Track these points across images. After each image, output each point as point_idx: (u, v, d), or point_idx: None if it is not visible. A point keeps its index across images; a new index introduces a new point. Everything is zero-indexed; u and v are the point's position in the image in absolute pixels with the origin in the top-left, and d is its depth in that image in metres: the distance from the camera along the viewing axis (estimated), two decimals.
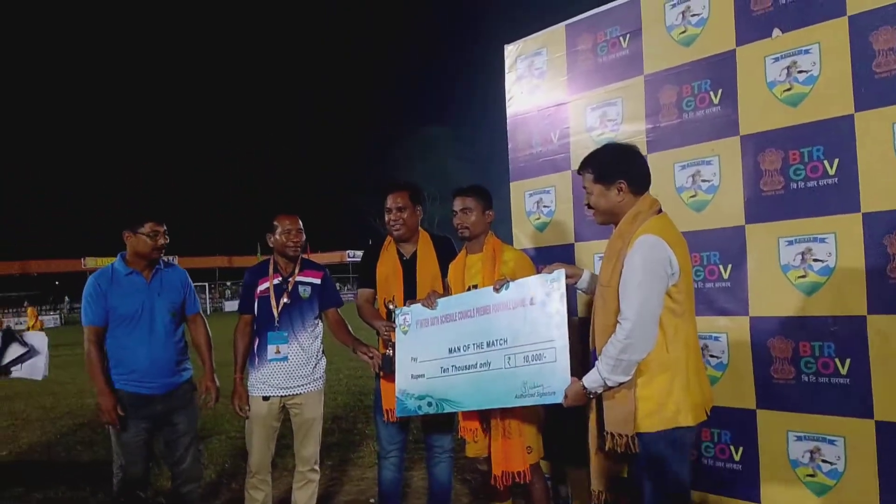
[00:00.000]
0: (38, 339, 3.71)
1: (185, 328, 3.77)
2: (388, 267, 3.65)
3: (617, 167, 2.63)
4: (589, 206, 2.75)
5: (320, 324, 3.85)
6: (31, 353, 3.58)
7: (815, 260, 2.93)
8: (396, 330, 3.38)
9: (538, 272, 3.03)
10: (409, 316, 3.36)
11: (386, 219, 3.65)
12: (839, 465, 2.85)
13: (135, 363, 3.48)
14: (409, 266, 3.63)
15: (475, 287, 3.26)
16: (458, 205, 3.40)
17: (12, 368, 3.56)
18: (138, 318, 3.51)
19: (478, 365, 3.03)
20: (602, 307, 2.60)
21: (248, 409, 3.70)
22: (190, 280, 3.88)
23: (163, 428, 3.61)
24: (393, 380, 3.36)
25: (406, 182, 3.76)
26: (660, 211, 2.62)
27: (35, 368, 3.63)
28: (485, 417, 3.26)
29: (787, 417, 3.01)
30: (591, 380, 2.56)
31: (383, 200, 3.67)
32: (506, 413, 3.12)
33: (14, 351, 3.53)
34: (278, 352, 3.67)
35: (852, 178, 2.81)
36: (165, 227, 3.60)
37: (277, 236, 3.71)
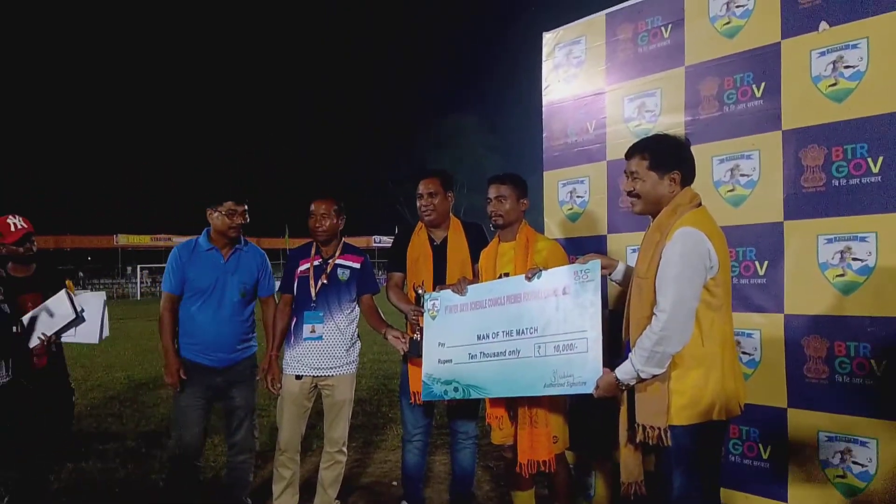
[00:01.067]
0: (94, 301, 3.70)
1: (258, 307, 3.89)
2: (418, 251, 3.67)
3: (674, 157, 2.62)
4: (630, 193, 2.70)
5: (357, 308, 3.89)
6: (78, 319, 3.59)
7: (855, 259, 2.88)
8: (425, 315, 3.40)
9: (571, 262, 3.02)
10: (437, 301, 3.38)
11: (417, 204, 3.68)
12: (870, 467, 2.81)
13: (200, 335, 3.65)
14: (439, 251, 3.65)
15: (506, 275, 3.26)
16: (492, 192, 3.40)
17: (63, 334, 3.60)
18: (210, 293, 3.66)
19: (506, 352, 3.04)
20: (638, 299, 2.59)
21: (279, 387, 3.75)
22: (268, 262, 3.96)
23: (221, 399, 3.76)
24: (420, 364, 3.38)
25: (437, 169, 3.79)
26: (699, 204, 2.60)
27: (90, 333, 3.66)
28: (511, 405, 3.27)
29: (819, 417, 2.97)
30: (625, 371, 2.55)
31: (415, 187, 3.70)
32: (533, 402, 3.13)
33: (60, 318, 3.55)
34: (313, 331, 3.72)
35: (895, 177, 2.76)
36: (245, 208, 3.71)
37: (310, 219, 3.77)
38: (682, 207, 2.55)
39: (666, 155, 2.62)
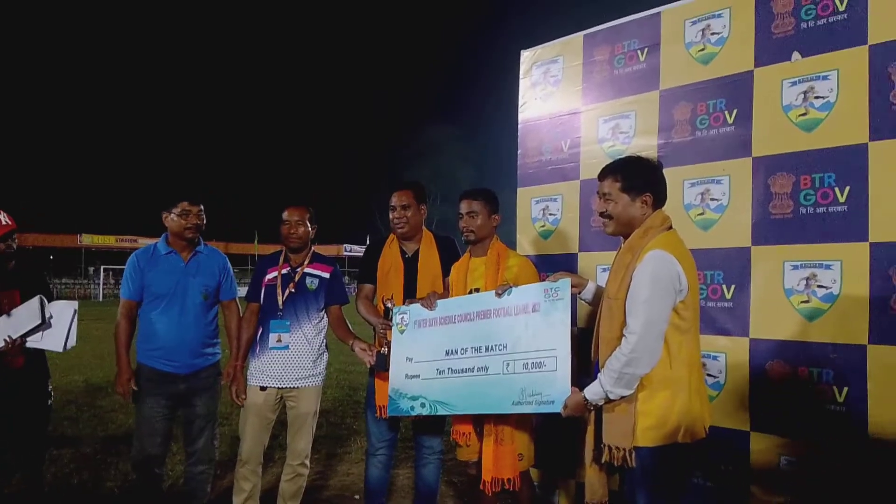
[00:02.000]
0: (65, 310, 3.62)
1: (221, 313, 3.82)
2: (389, 264, 3.64)
3: (646, 179, 2.63)
4: (602, 214, 2.72)
5: (325, 318, 3.84)
6: (44, 325, 3.50)
7: (820, 286, 2.93)
8: (393, 329, 3.37)
9: (542, 280, 3.02)
10: (406, 315, 3.35)
11: (390, 217, 3.65)
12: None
13: (161, 340, 3.57)
14: (410, 264, 3.62)
15: (477, 291, 3.25)
16: (464, 207, 3.39)
17: (28, 339, 3.51)
18: (171, 297, 3.59)
19: (475, 369, 3.02)
20: (608, 319, 2.59)
21: (244, 398, 3.69)
22: (229, 266, 3.90)
23: (182, 407, 3.67)
24: (387, 377, 3.35)
25: (410, 181, 3.76)
26: (670, 227, 2.62)
27: (55, 340, 3.56)
28: (478, 421, 3.25)
29: (781, 442, 3.00)
30: (593, 392, 2.55)
31: (388, 198, 3.67)
32: (499, 419, 3.11)
33: (27, 322, 3.45)
34: (280, 340, 3.67)
35: (862, 206, 2.82)
36: (201, 208, 3.65)
37: (282, 227, 3.71)
38: (653, 230, 2.57)
39: (638, 177, 2.63)
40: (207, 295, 3.67)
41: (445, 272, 3.58)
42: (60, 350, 3.60)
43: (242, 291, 3.94)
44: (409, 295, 3.51)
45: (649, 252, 2.47)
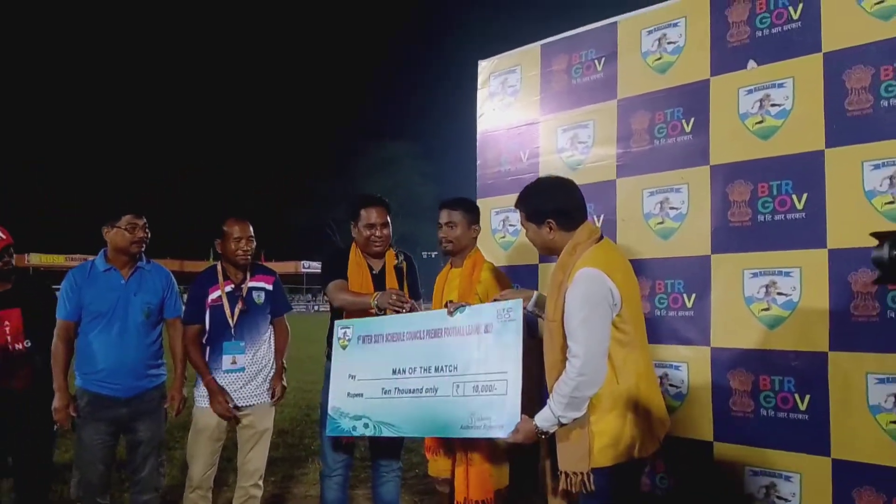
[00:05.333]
0: None
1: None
2: (358, 278, 3.51)
3: (546, 206, 2.60)
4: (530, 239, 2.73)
5: (271, 330, 3.71)
6: None
7: (780, 293, 2.92)
8: (334, 343, 3.24)
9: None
10: (350, 330, 3.21)
11: (365, 234, 3.47)
12: (794, 501, 2.82)
13: (101, 362, 3.38)
14: (378, 281, 3.51)
15: (451, 302, 3.16)
16: (443, 217, 3.30)
17: None
18: (111, 316, 3.40)
19: (423, 390, 2.89)
20: (549, 342, 2.54)
21: (178, 413, 3.54)
22: (174, 282, 3.72)
23: (126, 433, 3.48)
24: None
25: (382, 197, 3.64)
26: (600, 238, 2.58)
27: None
28: (449, 438, 3.14)
29: (744, 451, 2.98)
30: (544, 418, 2.46)
31: (357, 212, 3.52)
32: (472, 439, 3.01)
33: None
34: (234, 362, 3.52)
35: (820, 213, 2.82)
36: (145, 221, 3.50)
37: (228, 243, 3.56)
38: (581, 245, 2.52)
39: (536, 207, 2.63)
40: (150, 313, 3.50)
41: (402, 287, 3.50)
42: None
43: (183, 307, 3.77)
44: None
45: (578, 271, 2.43)
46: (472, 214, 3.33)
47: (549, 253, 2.69)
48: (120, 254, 3.46)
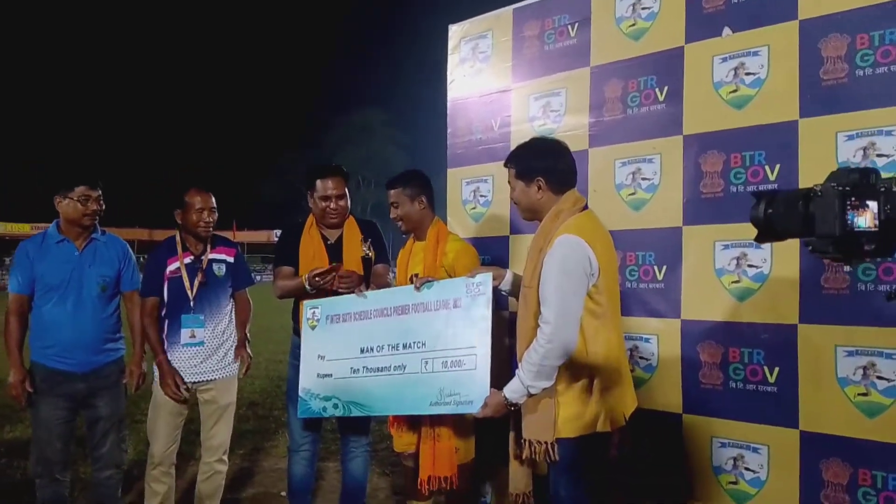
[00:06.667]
0: None
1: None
2: (311, 252, 3.42)
3: (537, 164, 2.55)
4: (513, 200, 2.67)
5: (232, 303, 3.62)
6: None
7: (750, 266, 2.89)
8: (304, 324, 3.18)
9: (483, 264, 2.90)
10: (318, 310, 3.16)
11: (321, 206, 3.39)
12: (762, 473, 2.83)
13: (56, 337, 3.28)
14: (333, 251, 3.42)
15: (416, 276, 3.09)
16: (390, 198, 3.23)
17: None
18: (65, 289, 3.29)
19: (392, 368, 2.86)
20: (523, 308, 2.50)
21: (184, 389, 3.42)
22: (131, 253, 3.60)
23: (84, 409, 3.39)
24: None
25: (338, 165, 3.54)
26: (585, 208, 2.54)
27: None
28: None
29: (713, 423, 2.97)
30: (513, 389, 2.43)
31: (312, 182, 3.42)
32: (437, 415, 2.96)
33: None
34: (193, 336, 3.43)
35: (792, 184, 2.77)
36: (100, 193, 3.36)
37: (189, 214, 3.44)
38: (564, 213, 2.48)
39: (528, 162, 2.58)
40: (106, 286, 3.39)
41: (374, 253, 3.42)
42: None
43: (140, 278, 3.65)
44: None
45: (558, 237, 2.39)
46: (412, 188, 3.20)
47: (532, 216, 2.63)
48: (73, 225, 3.34)
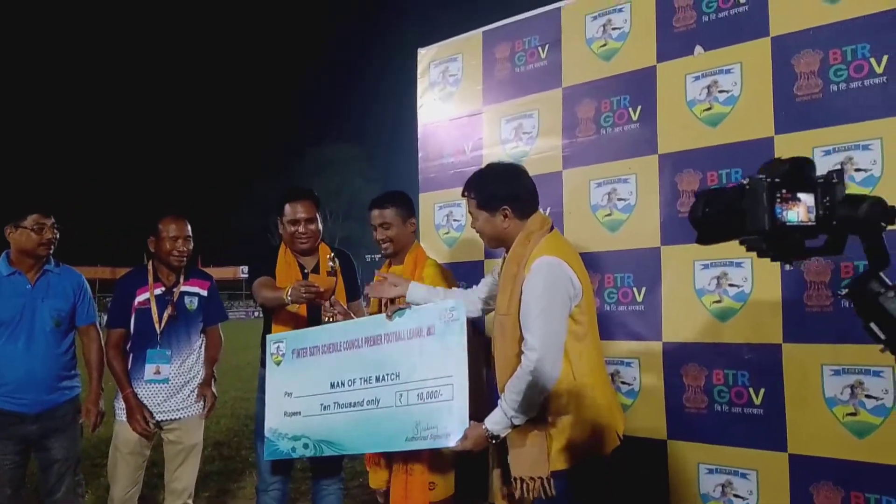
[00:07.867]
0: None
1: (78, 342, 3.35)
2: (288, 280, 3.28)
3: (501, 192, 2.45)
4: (476, 230, 2.56)
5: (202, 339, 3.45)
6: None
7: (731, 285, 2.84)
8: (267, 360, 3.02)
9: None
10: (282, 344, 2.98)
11: (290, 230, 3.26)
12: (751, 500, 2.73)
13: (6, 375, 3.10)
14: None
15: (390, 303, 2.96)
16: (375, 218, 3.07)
17: None
18: (16, 325, 3.11)
19: (364, 402, 2.70)
20: (501, 339, 2.39)
21: (153, 425, 3.23)
22: (87, 286, 3.42)
23: (37, 451, 3.18)
24: None
25: (309, 189, 3.43)
26: (552, 228, 2.46)
27: None
28: None
29: (699, 449, 2.88)
30: (495, 421, 2.31)
31: (282, 207, 3.30)
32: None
33: None
34: (158, 372, 3.26)
35: None
36: (54, 221, 3.19)
37: (162, 243, 3.29)
38: (534, 235, 2.39)
39: (491, 191, 2.47)
40: (60, 321, 3.20)
41: (344, 287, 3.31)
42: None
43: (96, 313, 3.49)
44: (313, 314, 3.16)
45: (537, 260, 2.29)
46: (406, 208, 3.11)
47: (498, 245, 2.54)
48: (25, 256, 3.16)
